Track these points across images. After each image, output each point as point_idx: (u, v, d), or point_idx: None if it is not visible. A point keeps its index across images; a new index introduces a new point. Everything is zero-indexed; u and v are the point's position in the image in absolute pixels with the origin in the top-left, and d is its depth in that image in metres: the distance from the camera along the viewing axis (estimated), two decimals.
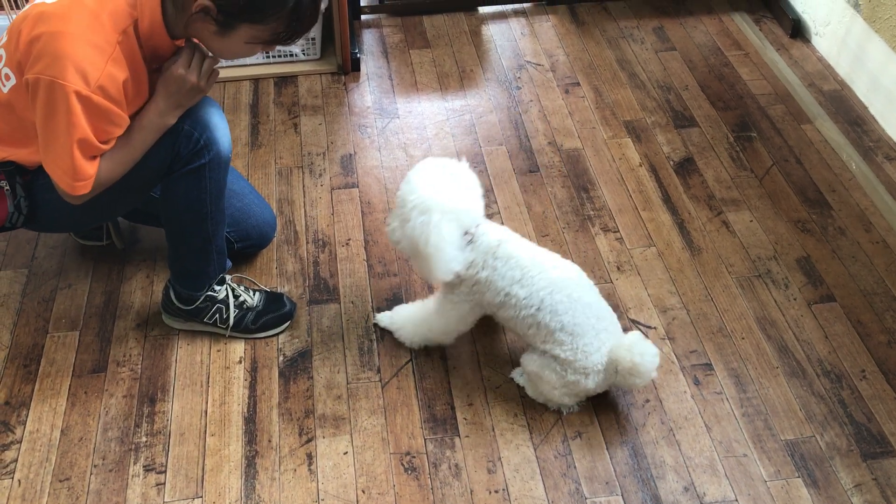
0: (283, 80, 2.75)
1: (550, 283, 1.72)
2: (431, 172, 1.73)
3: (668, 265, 2.16)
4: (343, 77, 2.78)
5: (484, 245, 1.74)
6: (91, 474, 1.73)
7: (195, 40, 1.66)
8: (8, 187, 1.68)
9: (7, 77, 1.58)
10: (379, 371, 1.92)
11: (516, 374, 1.88)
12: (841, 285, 2.12)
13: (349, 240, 2.22)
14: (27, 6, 1.57)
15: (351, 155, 2.49)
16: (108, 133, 1.59)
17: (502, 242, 1.75)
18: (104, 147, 1.59)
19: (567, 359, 1.72)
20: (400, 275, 2.13)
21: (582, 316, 1.71)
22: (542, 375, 1.77)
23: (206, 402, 1.85)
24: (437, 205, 1.66)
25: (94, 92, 1.51)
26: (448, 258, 1.68)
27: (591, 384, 1.75)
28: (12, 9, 2.51)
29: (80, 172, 1.57)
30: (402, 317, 1.97)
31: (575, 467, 1.75)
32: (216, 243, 1.86)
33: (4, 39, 1.58)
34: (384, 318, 1.99)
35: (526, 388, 1.86)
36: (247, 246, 2.09)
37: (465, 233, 1.73)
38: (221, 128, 1.74)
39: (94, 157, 1.60)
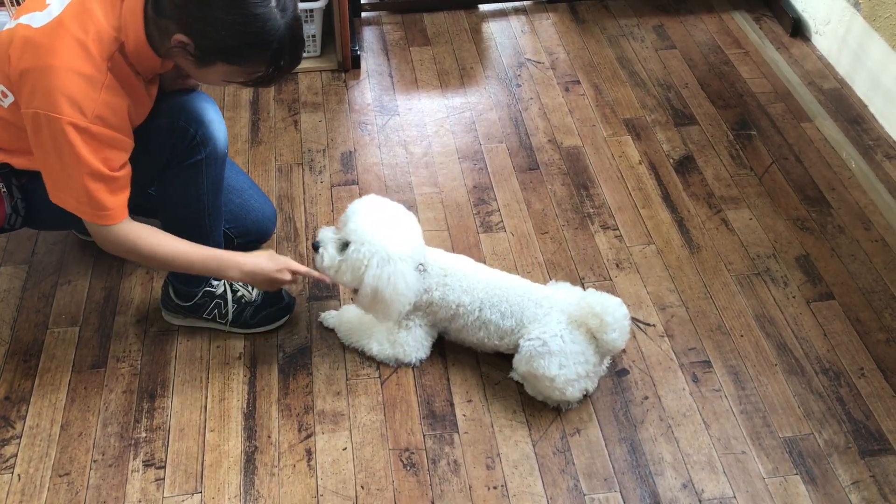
0: None
1: (486, 283, 1.84)
2: (376, 216, 1.79)
3: (668, 263, 2.17)
4: (343, 74, 2.78)
5: (435, 270, 1.85)
6: (91, 469, 1.73)
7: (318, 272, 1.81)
8: (4, 189, 1.68)
9: (4, 94, 1.58)
10: (378, 367, 1.92)
11: (515, 374, 1.89)
12: (840, 283, 2.12)
13: None
14: (11, 22, 1.56)
15: (351, 152, 2.49)
16: (117, 160, 1.58)
17: (447, 262, 1.87)
18: (118, 174, 1.58)
19: (534, 347, 1.76)
20: None
21: (517, 298, 1.82)
22: (535, 374, 1.78)
23: (206, 398, 1.86)
24: (398, 253, 1.74)
25: (93, 122, 1.50)
26: (409, 299, 1.79)
27: (577, 366, 1.77)
28: (12, 5, 2.51)
29: (97, 203, 1.57)
30: (349, 320, 1.96)
31: (573, 464, 1.75)
32: (214, 238, 1.87)
33: None
34: (329, 318, 1.99)
35: (525, 385, 1.87)
36: (248, 241, 2.09)
37: (419, 265, 1.81)
38: (217, 123, 1.75)
39: (114, 191, 1.59)
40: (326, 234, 1.81)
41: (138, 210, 2.06)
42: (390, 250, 1.73)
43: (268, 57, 1.54)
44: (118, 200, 1.60)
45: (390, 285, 1.74)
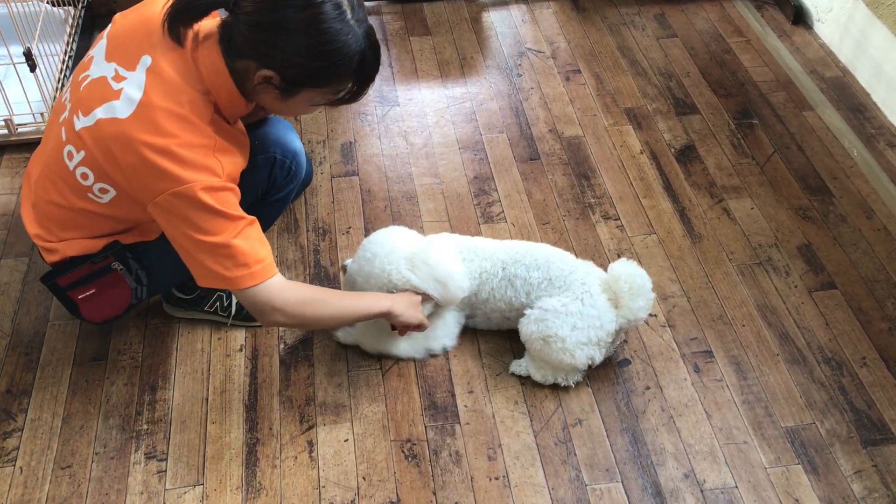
0: None
1: (505, 247, 1.92)
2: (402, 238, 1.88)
3: (669, 253, 2.16)
4: None
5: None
6: (92, 462, 1.73)
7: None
8: (121, 266, 1.67)
9: (104, 191, 1.55)
10: (379, 359, 1.92)
11: (514, 366, 1.88)
12: (842, 272, 2.12)
13: (349, 228, 2.22)
14: (87, 119, 1.49)
15: (351, 143, 2.48)
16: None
17: (459, 241, 1.95)
18: (246, 218, 1.54)
19: (551, 306, 1.80)
20: None
21: (542, 254, 1.88)
22: (546, 333, 1.78)
23: (207, 390, 1.86)
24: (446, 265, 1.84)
25: (227, 181, 1.49)
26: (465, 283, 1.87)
27: (602, 319, 1.79)
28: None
29: (249, 255, 1.52)
30: (369, 330, 1.94)
31: (575, 454, 1.75)
32: None
33: (83, 155, 1.52)
34: (348, 336, 1.93)
35: (531, 370, 1.85)
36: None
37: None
38: (302, 152, 1.82)
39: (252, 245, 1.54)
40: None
41: None
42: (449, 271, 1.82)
43: (352, 72, 1.50)
44: (262, 252, 1.55)
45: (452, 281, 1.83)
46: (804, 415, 1.82)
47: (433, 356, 1.91)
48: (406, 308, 1.76)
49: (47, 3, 2.66)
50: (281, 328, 1.97)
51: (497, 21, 2.98)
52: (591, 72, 2.75)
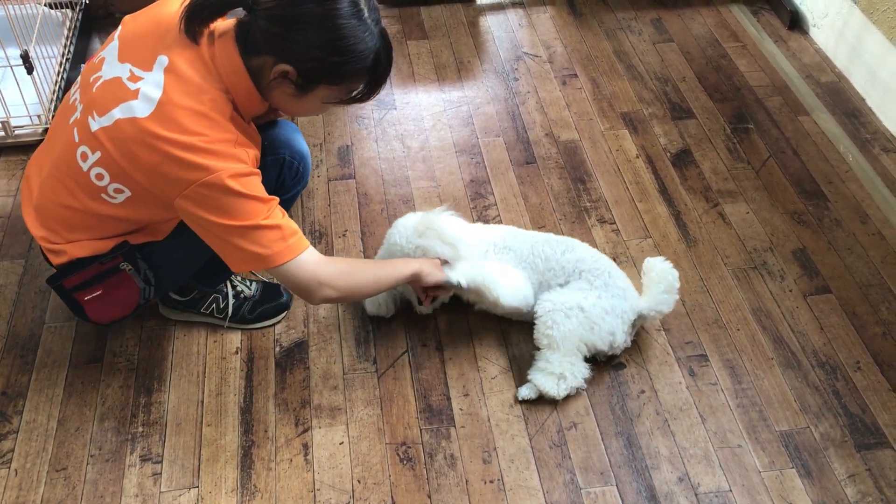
0: None
1: (528, 235, 2.00)
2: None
3: (665, 257, 2.16)
4: None
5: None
6: (88, 464, 1.73)
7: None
8: (130, 267, 1.67)
9: (119, 191, 1.55)
10: (375, 362, 1.92)
11: (523, 392, 1.84)
12: (836, 277, 2.12)
13: (346, 231, 2.22)
14: (105, 119, 1.49)
15: (348, 146, 2.48)
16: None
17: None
18: (273, 198, 1.56)
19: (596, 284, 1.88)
20: None
21: (571, 241, 1.97)
22: (578, 303, 1.83)
23: (203, 393, 1.86)
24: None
25: (253, 166, 1.51)
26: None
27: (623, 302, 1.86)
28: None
29: (285, 229, 1.55)
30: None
31: (570, 458, 1.75)
32: None
33: (99, 155, 1.51)
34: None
35: (540, 381, 1.82)
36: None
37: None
38: (309, 155, 1.85)
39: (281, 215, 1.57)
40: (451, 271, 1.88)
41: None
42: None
43: (367, 70, 1.52)
44: (293, 224, 1.58)
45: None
46: (798, 419, 1.83)
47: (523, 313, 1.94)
48: (431, 268, 1.83)
49: (45, 5, 2.66)
50: (276, 332, 1.98)
51: (494, 25, 2.99)
52: (588, 76, 2.76)
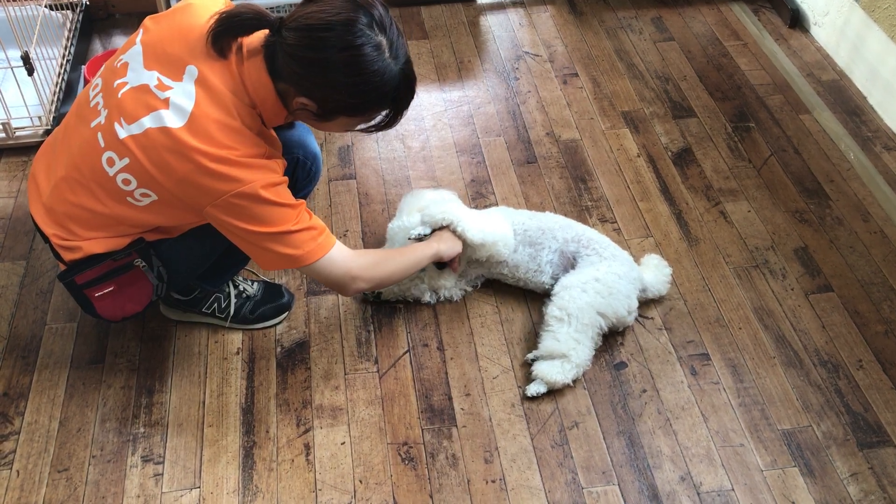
0: None
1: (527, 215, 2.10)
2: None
3: (666, 255, 2.16)
4: None
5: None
6: (89, 465, 1.73)
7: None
8: (144, 263, 1.67)
9: (145, 195, 1.55)
10: (376, 362, 1.92)
11: (530, 389, 1.85)
12: (838, 275, 2.12)
13: (347, 231, 2.22)
14: (133, 128, 1.49)
15: (348, 146, 2.48)
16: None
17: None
18: (301, 202, 1.61)
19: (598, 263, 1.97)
20: None
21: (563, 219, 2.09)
22: (593, 275, 1.92)
23: (204, 393, 1.86)
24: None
25: (283, 175, 1.56)
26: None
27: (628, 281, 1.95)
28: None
29: (315, 229, 1.61)
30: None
31: (572, 457, 1.75)
32: None
33: (127, 161, 1.51)
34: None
35: (546, 371, 1.82)
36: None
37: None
38: (320, 156, 1.88)
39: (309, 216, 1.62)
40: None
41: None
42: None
43: (387, 104, 1.56)
44: (319, 222, 1.64)
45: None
46: (800, 417, 1.82)
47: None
48: (448, 245, 1.91)
49: (45, 6, 2.66)
50: (278, 332, 1.98)
51: (494, 25, 2.99)
52: (588, 75, 2.76)
